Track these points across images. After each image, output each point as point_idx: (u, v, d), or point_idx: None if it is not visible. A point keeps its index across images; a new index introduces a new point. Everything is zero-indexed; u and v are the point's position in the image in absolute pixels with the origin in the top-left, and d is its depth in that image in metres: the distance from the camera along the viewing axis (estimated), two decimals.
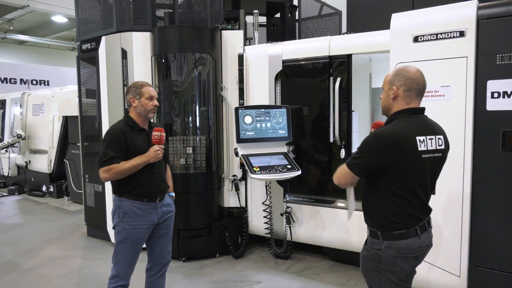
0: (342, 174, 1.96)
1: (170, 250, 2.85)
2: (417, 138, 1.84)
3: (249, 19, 4.74)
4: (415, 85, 1.91)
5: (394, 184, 1.87)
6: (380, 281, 1.93)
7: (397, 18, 3.15)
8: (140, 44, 4.34)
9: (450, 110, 2.91)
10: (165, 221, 2.76)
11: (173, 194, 2.90)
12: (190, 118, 4.26)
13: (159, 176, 2.71)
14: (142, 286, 2.89)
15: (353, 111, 3.95)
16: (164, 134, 2.64)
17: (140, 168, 2.56)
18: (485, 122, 2.83)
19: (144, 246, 2.74)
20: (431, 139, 1.88)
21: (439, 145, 1.92)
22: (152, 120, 2.83)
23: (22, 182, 8.20)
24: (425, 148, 1.86)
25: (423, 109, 1.95)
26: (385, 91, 1.96)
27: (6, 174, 8.33)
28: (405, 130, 1.85)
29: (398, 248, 1.88)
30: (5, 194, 8.07)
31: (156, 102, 2.69)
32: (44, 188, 7.65)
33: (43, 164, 7.52)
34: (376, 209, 1.94)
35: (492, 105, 2.79)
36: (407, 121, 1.88)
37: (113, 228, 2.66)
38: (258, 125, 3.86)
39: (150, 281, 2.80)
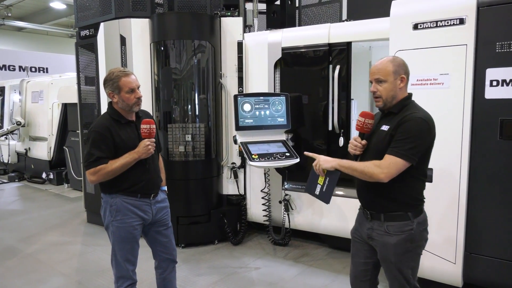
0: (396, 168, 1.91)
1: (174, 247, 2.73)
2: None
3: (249, 6, 4.69)
4: (409, 72, 2.10)
5: (425, 164, 2.04)
6: (410, 259, 2.05)
7: (397, 5, 3.13)
8: (139, 31, 4.32)
9: (449, 98, 2.90)
10: (163, 218, 2.63)
11: (165, 188, 2.74)
12: (189, 106, 4.26)
13: (153, 171, 2.54)
14: (154, 283, 2.83)
15: (352, 99, 3.95)
16: (154, 126, 2.43)
17: (132, 165, 2.38)
18: (483, 111, 2.82)
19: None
20: None
21: None
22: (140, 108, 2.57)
23: (22, 169, 8.24)
24: None
25: None
26: (391, 82, 2.02)
27: (6, 161, 8.36)
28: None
29: (422, 221, 2.07)
30: (5, 181, 8.11)
31: (139, 94, 2.43)
32: (44, 175, 7.68)
33: (42, 151, 7.54)
34: (406, 191, 2.03)
35: (491, 93, 2.78)
36: (418, 105, 2.07)
37: (106, 228, 2.51)
38: (257, 112, 3.86)
39: (161, 278, 2.73)
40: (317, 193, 2.18)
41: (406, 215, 2.01)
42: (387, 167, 1.92)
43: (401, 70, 2.03)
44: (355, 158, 2.20)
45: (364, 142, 2.14)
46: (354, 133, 4.11)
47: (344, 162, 2.07)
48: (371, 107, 4.61)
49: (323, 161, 2.11)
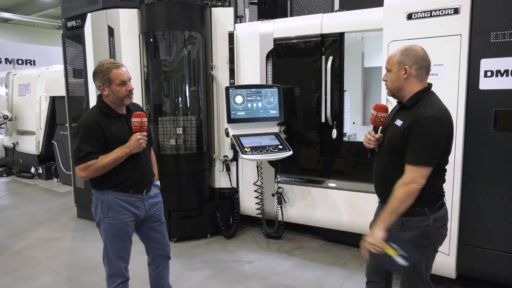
0: (421, 176, 1.84)
1: (168, 243, 2.68)
2: None
3: None
4: (426, 63, 1.96)
5: (443, 160, 1.95)
6: (423, 255, 1.99)
7: None
8: (127, 22, 4.22)
9: (443, 89, 2.85)
10: (156, 213, 2.57)
11: (158, 183, 2.68)
12: (180, 98, 4.19)
13: (145, 166, 2.48)
14: (147, 279, 2.79)
15: (345, 91, 3.91)
16: (145, 119, 2.37)
17: (123, 160, 2.32)
18: (477, 101, 2.80)
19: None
20: None
21: None
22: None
23: (10, 164, 8.11)
24: None
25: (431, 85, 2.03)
26: (395, 72, 1.97)
27: None
28: (446, 107, 1.95)
29: (440, 218, 1.99)
30: None
31: (130, 86, 2.36)
32: (33, 170, 7.56)
33: (31, 145, 7.42)
34: (424, 187, 1.92)
35: (485, 84, 2.77)
36: (435, 98, 1.96)
37: (97, 225, 2.45)
38: (249, 105, 3.81)
39: (154, 274, 2.69)
40: (403, 263, 1.86)
41: (423, 210, 1.94)
42: (415, 181, 1.84)
43: (407, 61, 1.92)
44: (371, 151, 2.16)
45: (378, 135, 2.09)
46: (347, 125, 4.09)
47: (382, 217, 1.92)
48: (364, 98, 4.59)
49: (372, 238, 1.92)
